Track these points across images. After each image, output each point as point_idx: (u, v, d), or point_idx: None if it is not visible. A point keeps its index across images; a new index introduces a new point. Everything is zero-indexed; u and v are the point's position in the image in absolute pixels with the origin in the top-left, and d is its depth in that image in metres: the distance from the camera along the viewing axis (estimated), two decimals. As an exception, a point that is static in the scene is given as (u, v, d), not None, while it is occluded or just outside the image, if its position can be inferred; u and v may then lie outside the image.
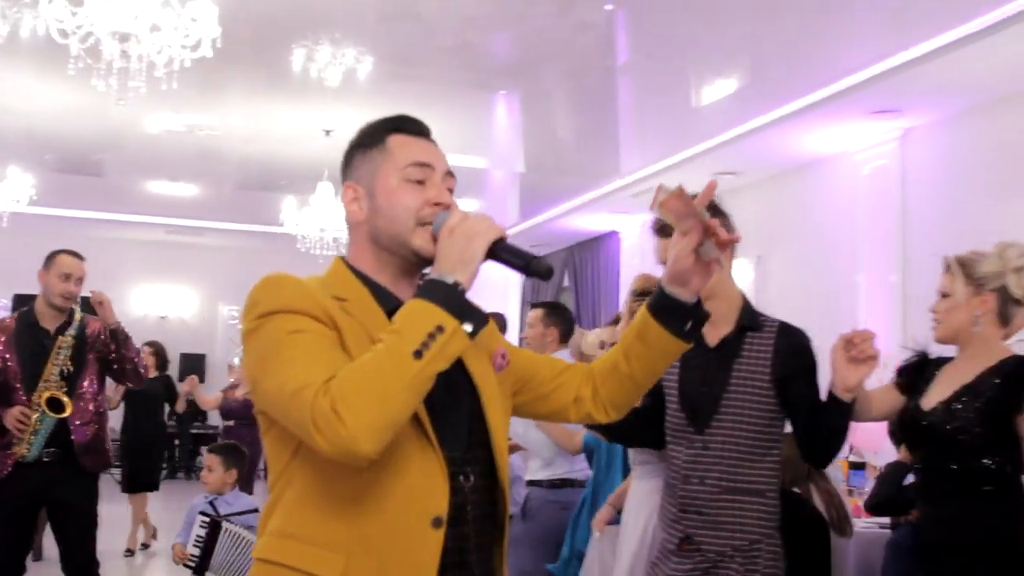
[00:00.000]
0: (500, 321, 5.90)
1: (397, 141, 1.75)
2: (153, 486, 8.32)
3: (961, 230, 3.35)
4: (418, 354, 1.44)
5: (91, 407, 4.39)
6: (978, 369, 2.76)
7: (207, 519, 4.04)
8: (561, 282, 13.23)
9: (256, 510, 4.26)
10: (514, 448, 4.54)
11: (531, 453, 4.56)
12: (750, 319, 2.78)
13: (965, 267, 2.84)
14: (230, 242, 14.05)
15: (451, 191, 1.75)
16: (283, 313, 1.56)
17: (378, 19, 6.09)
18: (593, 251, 12.28)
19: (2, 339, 4.35)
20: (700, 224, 1.70)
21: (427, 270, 1.67)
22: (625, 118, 8.42)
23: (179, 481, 13.67)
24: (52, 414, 4.23)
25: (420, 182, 1.71)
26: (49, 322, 4.38)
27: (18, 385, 4.27)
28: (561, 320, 4.97)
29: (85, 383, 4.37)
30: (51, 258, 4.42)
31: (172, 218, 12.68)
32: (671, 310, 1.78)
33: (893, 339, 6.92)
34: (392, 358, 1.44)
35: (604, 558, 3.67)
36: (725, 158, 8.43)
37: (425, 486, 1.57)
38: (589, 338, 4.69)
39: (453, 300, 1.52)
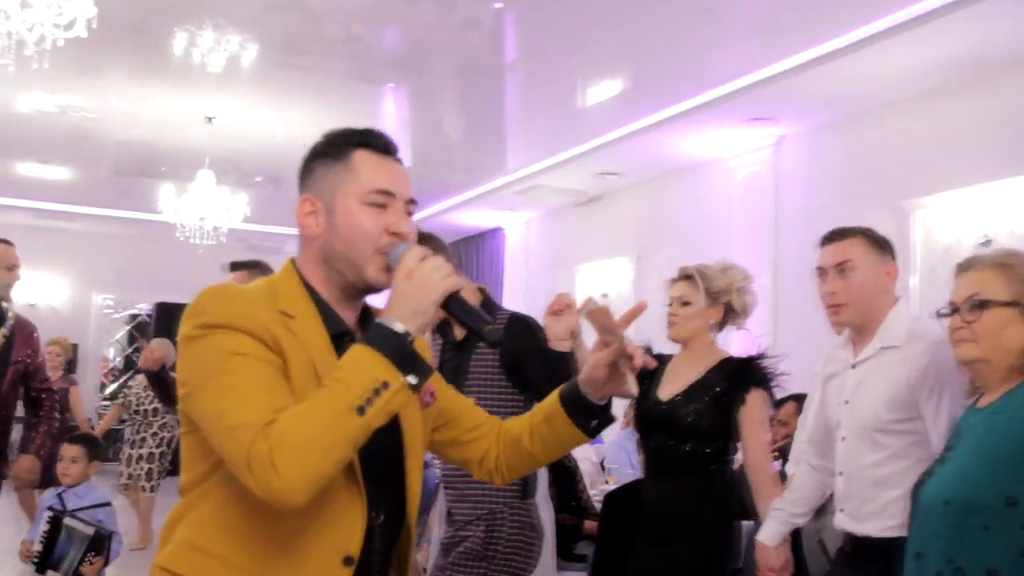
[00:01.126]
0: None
1: (363, 159, 1.69)
2: None
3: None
4: (361, 410, 1.43)
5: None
6: (703, 367, 3.27)
7: (51, 514, 3.91)
8: (445, 277, 13.25)
9: (108, 503, 4.14)
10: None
11: None
12: (487, 312, 2.98)
13: (705, 280, 3.32)
14: (105, 228, 13.60)
15: (411, 215, 1.71)
16: (228, 329, 1.51)
17: (264, 7, 6.00)
18: (478, 246, 12.35)
19: None
20: (619, 345, 1.79)
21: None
22: (512, 116, 8.49)
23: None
24: None
25: (382, 206, 1.66)
26: None
27: None
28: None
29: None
30: None
31: (42, 202, 12.20)
32: (581, 407, 1.83)
33: (764, 340, 7.17)
34: (335, 412, 1.42)
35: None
36: (608, 158, 8.60)
37: (344, 524, 1.55)
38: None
39: (401, 353, 1.48)
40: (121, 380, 13.99)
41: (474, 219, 11.62)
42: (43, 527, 3.89)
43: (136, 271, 13.46)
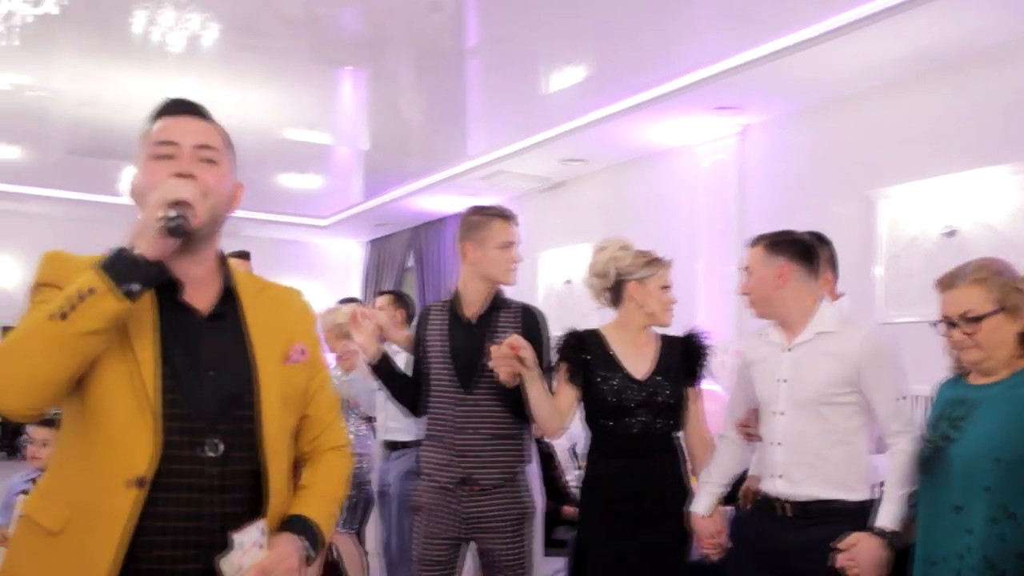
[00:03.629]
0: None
1: (158, 122, 1.90)
2: None
3: (793, 223, 3.52)
4: (63, 316, 1.58)
5: None
6: (653, 345, 3.42)
7: (24, 498, 3.85)
8: (405, 262, 13.16)
9: None
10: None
11: (392, 417, 4.98)
12: (500, 300, 3.54)
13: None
14: (60, 210, 13.33)
15: (210, 161, 1.87)
16: (42, 286, 1.77)
17: (224, -14, 5.88)
18: (438, 232, 12.26)
19: None
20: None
21: None
22: (473, 101, 8.41)
23: (-3, 461, 12.99)
24: None
25: (168, 157, 1.83)
26: None
27: None
28: (406, 305, 5.69)
29: None
30: None
31: (-7, 182, 11.95)
32: None
33: (729, 326, 7.20)
34: (35, 321, 1.62)
35: None
36: (572, 145, 8.55)
37: (129, 447, 1.67)
38: (343, 311, 5.25)
39: (119, 265, 1.64)
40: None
41: (436, 204, 11.53)
42: (18, 511, 3.82)
43: (92, 253, 13.20)
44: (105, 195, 11.29)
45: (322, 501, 1.91)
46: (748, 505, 3.43)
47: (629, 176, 9.00)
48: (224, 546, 1.69)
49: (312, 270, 14.27)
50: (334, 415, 2.04)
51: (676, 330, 3.57)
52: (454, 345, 3.48)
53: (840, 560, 2.77)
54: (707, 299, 7.38)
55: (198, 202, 1.73)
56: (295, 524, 1.82)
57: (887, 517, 2.80)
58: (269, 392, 1.81)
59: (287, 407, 1.87)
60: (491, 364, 3.16)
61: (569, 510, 5.02)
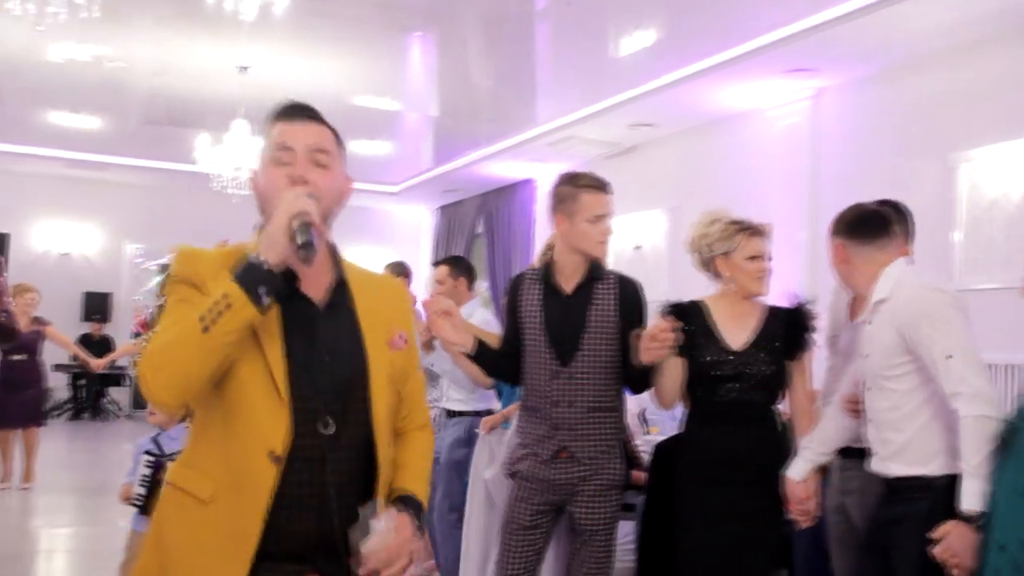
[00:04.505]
0: (402, 270, 6.34)
1: (276, 127, 2.01)
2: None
3: (867, 188, 3.46)
4: (206, 322, 1.76)
5: None
6: (758, 316, 3.39)
7: (151, 459, 3.97)
8: (475, 228, 13.21)
9: None
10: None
11: (455, 384, 5.15)
12: (597, 271, 3.44)
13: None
14: (137, 178, 13.64)
15: (322, 165, 1.99)
16: (179, 282, 1.90)
17: (295, -46, 5.92)
18: (508, 198, 12.27)
19: None
20: None
21: None
22: (542, 65, 8.38)
23: (84, 421, 13.41)
24: None
25: (283, 163, 1.96)
26: None
27: None
28: (466, 271, 5.44)
29: None
30: None
31: (75, 151, 12.23)
32: None
33: (801, 294, 7.07)
34: (184, 329, 1.79)
35: (492, 449, 4.62)
36: (642, 110, 8.48)
37: (268, 426, 1.85)
38: None
39: (252, 276, 1.80)
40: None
41: (505, 170, 11.54)
42: (143, 470, 3.95)
43: (168, 221, 13.50)
44: (180, 163, 11.50)
45: (419, 479, 2.07)
46: None
47: (699, 141, 8.90)
48: (339, 511, 1.90)
49: (383, 236, 14.40)
50: (421, 395, 2.20)
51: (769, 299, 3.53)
52: (548, 317, 3.42)
53: (937, 554, 2.65)
54: (778, 266, 7.27)
55: (316, 214, 1.88)
56: (407, 503, 1.99)
57: (970, 496, 2.63)
58: (378, 375, 1.98)
59: (391, 388, 2.02)
60: (643, 353, 3.11)
61: (638, 475, 5.03)
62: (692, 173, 8.96)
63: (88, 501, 7.76)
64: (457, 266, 5.41)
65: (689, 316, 3.38)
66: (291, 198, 1.85)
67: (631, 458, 5.14)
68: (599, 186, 3.46)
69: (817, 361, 3.51)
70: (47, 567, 6.16)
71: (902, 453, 2.86)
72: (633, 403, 6.18)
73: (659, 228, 9.36)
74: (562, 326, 3.38)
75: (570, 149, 10.00)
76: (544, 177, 11.52)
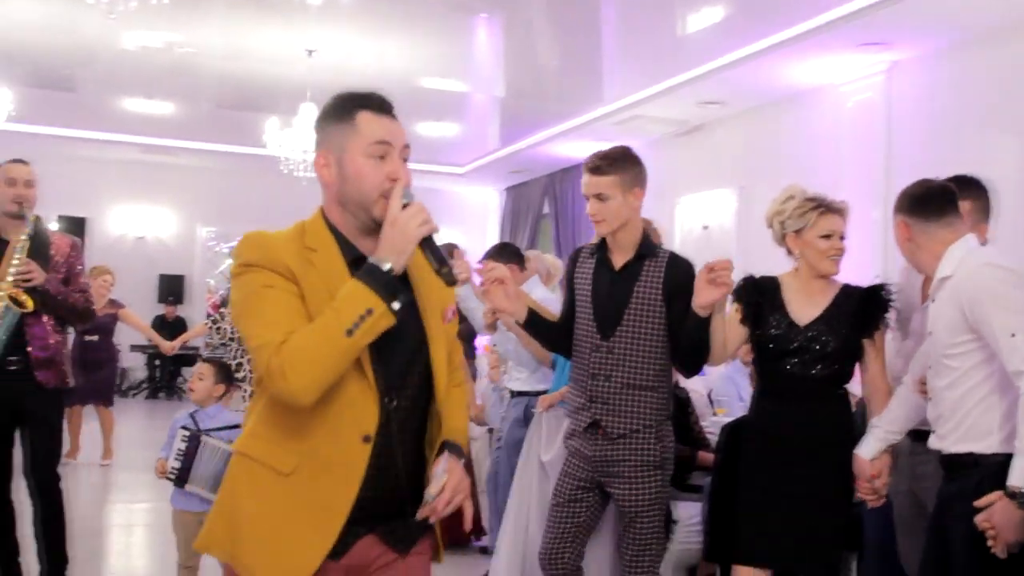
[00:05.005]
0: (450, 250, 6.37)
1: (364, 118, 2.05)
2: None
3: (944, 165, 3.38)
4: (350, 332, 1.87)
5: (50, 321, 4.38)
6: (830, 293, 3.36)
7: (187, 433, 4.06)
8: (541, 209, 13.20)
9: (237, 426, 4.27)
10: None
11: (518, 364, 5.24)
12: (647, 248, 3.44)
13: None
14: (209, 162, 13.88)
15: (406, 160, 2.08)
16: (257, 267, 1.97)
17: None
18: (574, 179, 12.23)
19: None
20: None
21: None
22: (609, 44, 8.32)
23: (160, 400, 13.73)
24: (15, 308, 4.22)
25: (381, 157, 2.03)
26: (10, 233, 4.36)
27: None
28: (511, 255, 5.52)
29: None
30: None
31: (149, 136, 12.48)
32: None
33: (874, 274, 6.95)
34: (330, 335, 1.88)
35: (550, 427, 4.56)
36: (710, 87, 8.37)
37: (359, 410, 1.98)
38: (548, 259, 5.47)
39: (386, 285, 1.91)
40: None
41: (570, 150, 11.49)
42: (179, 445, 4.04)
43: (238, 204, 13.72)
44: (250, 146, 11.67)
45: (461, 429, 2.21)
46: None
47: (769, 118, 8.76)
48: (406, 478, 2.06)
49: (450, 217, 14.46)
50: (460, 357, 2.34)
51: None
52: (596, 291, 3.46)
53: (978, 522, 2.67)
54: (851, 246, 7.14)
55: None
56: (454, 449, 2.12)
57: (1019, 473, 2.62)
58: (438, 350, 2.11)
59: (447, 360, 2.16)
60: (699, 294, 3.08)
61: (705, 456, 5.00)
62: (761, 151, 8.82)
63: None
64: (502, 254, 5.47)
65: (762, 289, 3.40)
66: (417, 212, 1.96)
67: (697, 440, 5.13)
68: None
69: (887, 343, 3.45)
70: (126, 540, 6.34)
71: (957, 430, 2.85)
72: (700, 384, 6.15)
73: (727, 208, 9.26)
74: (607, 300, 3.41)
75: (637, 128, 9.92)
76: (611, 157, 11.45)
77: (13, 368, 4.27)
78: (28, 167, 4.46)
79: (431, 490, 2.03)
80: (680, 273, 3.39)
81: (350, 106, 2.06)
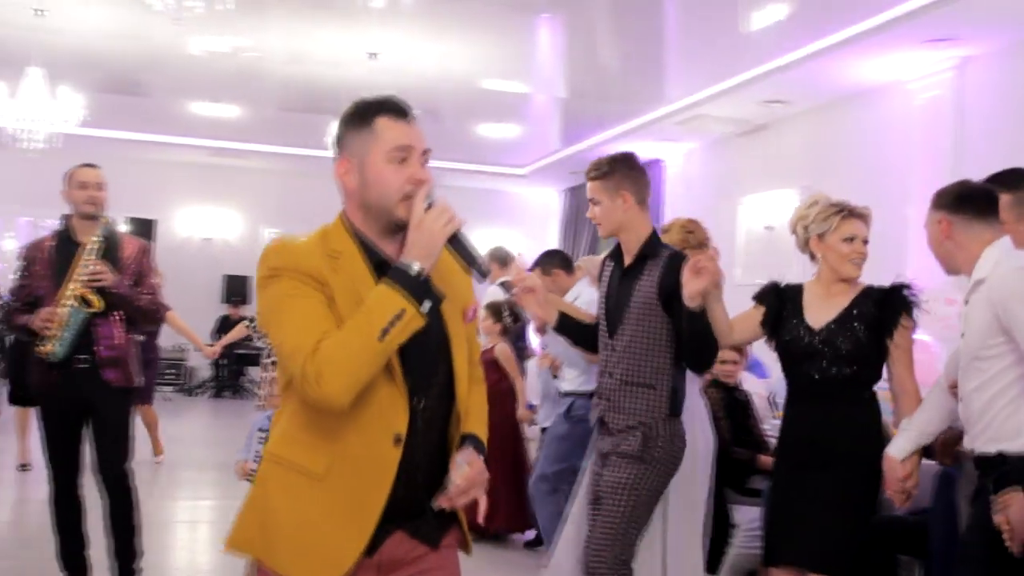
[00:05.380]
0: (502, 255, 7.00)
1: (383, 124, 2.08)
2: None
3: (1016, 163, 3.30)
4: (383, 333, 1.90)
5: (118, 320, 4.47)
6: (850, 295, 3.40)
7: (264, 434, 4.11)
8: (603, 210, 13.13)
9: None
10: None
11: (569, 364, 5.39)
12: (649, 249, 3.50)
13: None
14: (274, 165, 14.07)
15: (426, 163, 2.11)
16: (285, 275, 2.00)
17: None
18: (636, 179, 12.15)
19: (40, 257, 4.48)
20: None
21: None
22: (671, 43, 8.26)
23: (224, 399, 13.95)
24: (83, 308, 4.32)
25: (402, 161, 2.06)
26: (83, 235, 4.48)
27: (48, 294, 4.38)
28: (557, 262, 5.79)
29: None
30: (67, 175, 4.56)
31: (215, 140, 12.69)
32: None
33: (942, 274, 6.81)
34: (363, 338, 1.91)
35: None
36: (774, 86, 8.27)
37: (390, 412, 2.02)
38: (598, 260, 5.16)
39: (415, 287, 1.94)
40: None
41: (633, 151, 11.42)
42: (257, 447, 4.10)
43: (302, 205, 13.82)
44: (313, 148, 11.79)
45: (481, 423, 2.24)
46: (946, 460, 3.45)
47: (835, 117, 8.63)
48: (423, 478, 2.08)
49: (511, 219, 14.49)
50: (478, 355, 2.38)
51: (886, 279, 3.46)
52: (608, 291, 3.61)
53: (995, 519, 2.73)
54: (919, 246, 6.99)
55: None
56: (475, 442, 2.16)
57: None
58: (459, 349, 2.15)
59: (468, 360, 2.20)
60: (686, 285, 3.07)
61: (765, 459, 4.95)
62: (826, 151, 8.69)
63: (228, 476, 8.04)
64: (548, 263, 5.74)
65: (784, 294, 3.50)
66: (441, 212, 2.00)
67: (758, 442, 5.07)
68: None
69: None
70: (191, 535, 6.47)
71: (987, 431, 2.88)
72: (762, 387, 6.08)
73: (791, 208, 9.12)
74: (615, 300, 3.55)
75: (699, 128, 9.84)
76: (672, 157, 11.36)
77: (82, 366, 4.38)
78: (98, 170, 4.58)
79: (452, 478, 2.06)
80: (676, 270, 3.34)
81: (369, 112, 2.10)
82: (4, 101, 9.13)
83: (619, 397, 3.48)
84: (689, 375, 3.73)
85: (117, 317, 4.47)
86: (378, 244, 2.10)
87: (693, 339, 3.25)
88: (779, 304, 3.48)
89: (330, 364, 1.89)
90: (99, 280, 4.34)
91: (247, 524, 2.09)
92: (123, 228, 4.64)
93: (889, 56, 7.19)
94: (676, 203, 11.07)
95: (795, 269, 8.50)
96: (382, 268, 2.04)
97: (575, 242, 13.75)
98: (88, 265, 4.36)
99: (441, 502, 2.07)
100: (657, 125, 10.08)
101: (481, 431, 2.22)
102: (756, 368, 6.23)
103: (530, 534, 6.17)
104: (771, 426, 5.29)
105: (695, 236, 4.14)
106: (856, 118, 8.32)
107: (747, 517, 4.89)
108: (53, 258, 4.46)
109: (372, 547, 2.02)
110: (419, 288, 1.95)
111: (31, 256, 4.53)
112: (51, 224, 12.86)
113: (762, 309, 3.52)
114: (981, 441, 2.91)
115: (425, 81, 9.14)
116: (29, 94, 8.97)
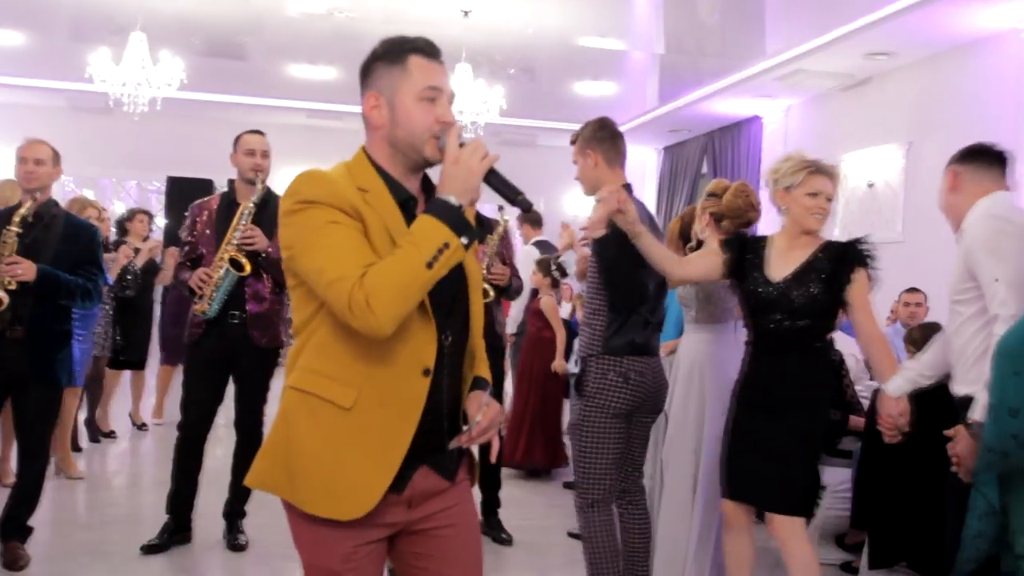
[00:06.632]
0: (533, 217, 7.38)
1: (416, 63, 2.13)
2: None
3: None
4: (430, 264, 1.92)
5: (268, 282, 4.64)
6: (809, 249, 3.53)
7: None
8: (699, 168, 12.97)
9: None
10: None
11: None
12: None
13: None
14: (369, 125, 14.20)
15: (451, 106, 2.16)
16: (320, 204, 1.99)
17: None
18: (734, 136, 11.96)
19: (204, 217, 4.78)
20: None
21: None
22: (772, -5, 8.06)
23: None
24: (233, 271, 4.54)
25: (432, 100, 2.10)
26: (244, 199, 4.73)
27: (209, 253, 4.67)
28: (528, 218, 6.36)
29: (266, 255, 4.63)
30: (236, 140, 4.87)
31: (313, 102, 12.86)
32: None
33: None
34: (412, 267, 1.91)
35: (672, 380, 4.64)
36: (877, 38, 8.01)
37: (421, 344, 2.05)
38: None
39: (458, 221, 1.96)
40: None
41: (730, 108, 11.22)
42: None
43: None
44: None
45: (486, 365, 2.33)
46: None
47: (942, 69, 8.32)
48: (447, 411, 2.14)
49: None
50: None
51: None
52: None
53: (949, 452, 3.00)
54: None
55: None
56: (486, 385, 2.25)
57: (979, 410, 2.86)
58: (475, 287, 2.23)
59: (480, 297, 2.29)
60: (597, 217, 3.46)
61: (856, 420, 4.86)
62: (932, 105, 8.40)
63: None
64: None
65: (748, 247, 3.65)
66: (476, 147, 2.02)
67: (850, 403, 4.97)
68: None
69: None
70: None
71: (965, 374, 3.08)
72: (856, 348, 5.96)
73: (894, 164, 8.87)
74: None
75: (800, 83, 9.60)
76: (771, 114, 11.13)
77: (233, 322, 4.66)
78: (263, 137, 4.84)
79: (475, 417, 2.11)
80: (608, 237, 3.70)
81: (403, 50, 2.16)
82: (109, 66, 9.40)
83: (582, 329, 3.89)
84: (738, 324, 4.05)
85: (267, 279, 4.66)
86: (404, 181, 2.13)
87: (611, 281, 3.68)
88: (741, 254, 3.64)
89: (380, 291, 1.89)
90: (250, 243, 4.53)
91: (269, 460, 2.10)
92: (224, 191, 4.78)
93: (1002, 2, 6.89)
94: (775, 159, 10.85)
95: (898, 228, 8.30)
96: (407, 206, 2.09)
97: (672, 199, 13.61)
98: (241, 229, 4.53)
99: (461, 440, 2.11)
100: (756, 81, 9.87)
101: (487, 374, 2.29)
102: (849, 328, 6.11)
103: (569, 474, 6.27)
104: (864, 387, 5.20)
105: (748, 199, 4.21)
106: (965, 69, 8.01)
107: (837, 479, 4.83)
108: (215, 219, 4.73)
109: (400, 483, 2.04)
110: (460, 222, 1.97)
111: (197, 216, 4.81)
112: (157, 187, 13.19)
113: (724, 256, 3.68)
114: (957, 383, 3.13)
115: (520, 39, 9.10)
116: (132, 59, 9.23)
